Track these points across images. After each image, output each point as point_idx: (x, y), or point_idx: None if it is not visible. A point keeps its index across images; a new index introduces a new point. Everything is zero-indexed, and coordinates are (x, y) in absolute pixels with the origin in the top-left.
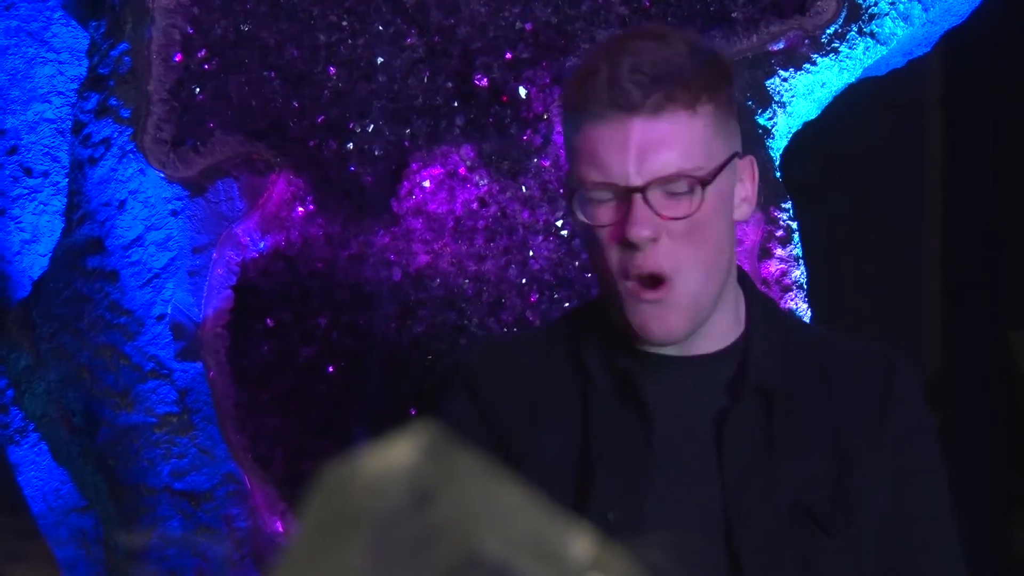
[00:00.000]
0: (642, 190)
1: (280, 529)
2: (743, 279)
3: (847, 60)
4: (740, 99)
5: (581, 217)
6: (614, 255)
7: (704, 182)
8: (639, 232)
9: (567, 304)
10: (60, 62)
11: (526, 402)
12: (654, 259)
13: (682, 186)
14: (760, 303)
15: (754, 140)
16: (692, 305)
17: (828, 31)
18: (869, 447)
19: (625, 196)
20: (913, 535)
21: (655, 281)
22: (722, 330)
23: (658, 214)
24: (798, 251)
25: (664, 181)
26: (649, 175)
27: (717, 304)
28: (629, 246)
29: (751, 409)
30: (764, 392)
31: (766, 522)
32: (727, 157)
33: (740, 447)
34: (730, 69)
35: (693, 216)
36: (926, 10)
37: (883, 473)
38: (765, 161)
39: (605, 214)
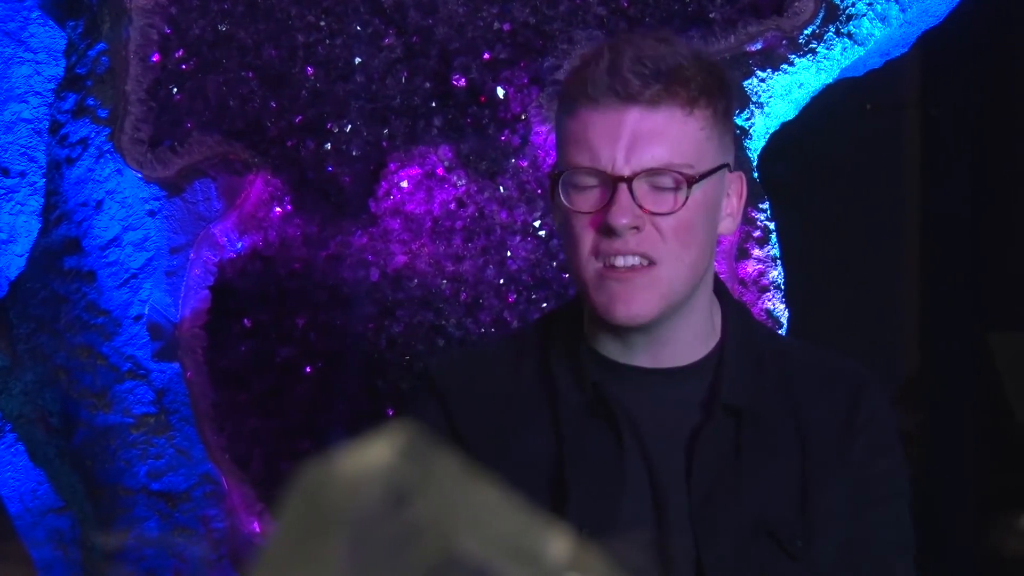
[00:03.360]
0: (628, 180)
1: (257, 530)
2: (719, 288)
3: (824, 61)
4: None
5: (563, 201)
6: (591, 241)
7: (691, 181)
8: (619, 220)
9: (544, 305)
10: (37, 62)
11: (496, 416)
12: (633, 250)
13: (668, 181)
14: (736, 314)
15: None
16: (666, 292)
17: (806, 32)
18: (833, 470)
19: (611, 184)
20: (867, 558)
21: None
22: (695, 340)
23: (641, 206)
24: (776, 251)
25: (651, 173)
26: (637, 166)
27: (689, 310)
28: (607, 233)
29: (721, 427)
30: (734, 411)
31: (731, 540)
32: (717, 165)
33: (709, 465)
34: (731, 84)
35: (676, 214)
36: (903, 11)
37: (845, 496)
38: (743, 162)
39: (587, 200)
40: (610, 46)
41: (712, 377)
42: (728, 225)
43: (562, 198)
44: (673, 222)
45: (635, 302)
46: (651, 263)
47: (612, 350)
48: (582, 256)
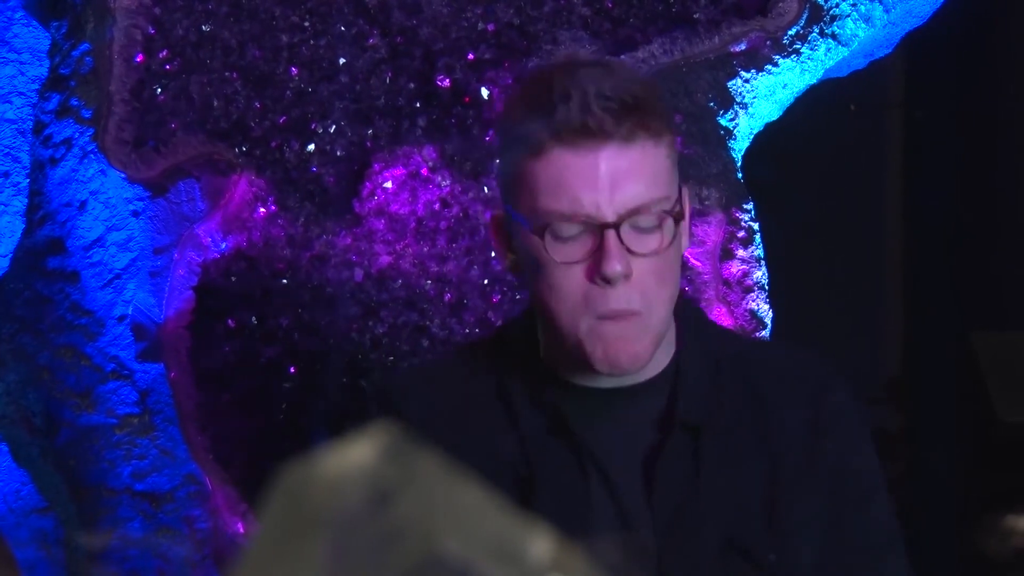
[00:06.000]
0: (615, 226)
1: (241, 530)
2: None
3: (808, 61)
4: (702, 101)
5: (546, 252)
6: (580, 291)
7: (676, 217)
8: (614, 268)
9: None
10: (21, 62)
11: (456, 432)
12: (627, 297)
13: (652, 220)
14: (691, 323)
15: (716, 141)
16: (657, 336)
17: (790, 32)
18: (802, 476)
19: (597, 231)
20: (856, 561)
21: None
22: (656, 356)
23: (630, 250)
24: (760, 252)
25: (635, 214)
26: (621, 208)
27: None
28: (599, 283)
29: (680, 445)
30: (692, 427)
31: (698, 560)
32: (679, 190)
33: (670, 485)
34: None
35: (662, 253)
36: (887, 11)
37: (818, 502)
38: (727, 162)
39: (574, 250)
40: (561, 79)
41: (669, 391)
42: (686, 242)
43: (545, 250)
44: (660, 263)
45: (637, 347)
46: (639, 315)
47: (571, 374)
48: (576, 309)
